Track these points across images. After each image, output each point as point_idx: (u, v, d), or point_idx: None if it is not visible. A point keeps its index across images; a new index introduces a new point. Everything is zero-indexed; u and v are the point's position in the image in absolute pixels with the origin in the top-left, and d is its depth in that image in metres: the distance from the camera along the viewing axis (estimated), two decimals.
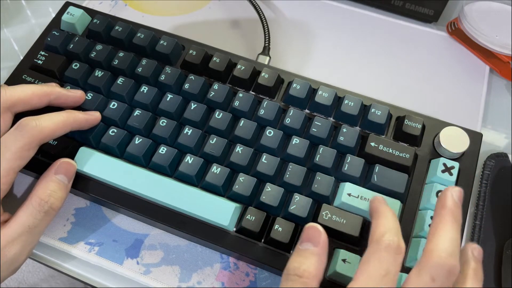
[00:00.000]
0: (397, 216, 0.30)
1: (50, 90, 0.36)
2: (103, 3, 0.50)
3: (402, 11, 0.49)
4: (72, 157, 0.36)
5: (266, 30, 0.45)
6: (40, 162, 0.37)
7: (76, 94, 0.37)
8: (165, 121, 0.37)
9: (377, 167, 0.35)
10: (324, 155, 0.36)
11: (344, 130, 0.37)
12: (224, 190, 0.35)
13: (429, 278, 0.26)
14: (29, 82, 0.40)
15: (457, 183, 0.35)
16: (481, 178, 0.39)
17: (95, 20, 0.42)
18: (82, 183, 0.36)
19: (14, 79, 0.40)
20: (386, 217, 0.29)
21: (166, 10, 0.50)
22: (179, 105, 0.38)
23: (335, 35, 0.48)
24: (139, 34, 0.41)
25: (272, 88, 0.39)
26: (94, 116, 0.37)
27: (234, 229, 0.34)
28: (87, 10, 0.44)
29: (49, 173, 0.34)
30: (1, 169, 0.31)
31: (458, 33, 0.47)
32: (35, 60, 0.41)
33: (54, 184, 0.33)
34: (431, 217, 0.33)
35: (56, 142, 0.37)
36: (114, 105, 0.38)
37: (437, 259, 0.26)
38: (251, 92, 0.40)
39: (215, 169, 0.35)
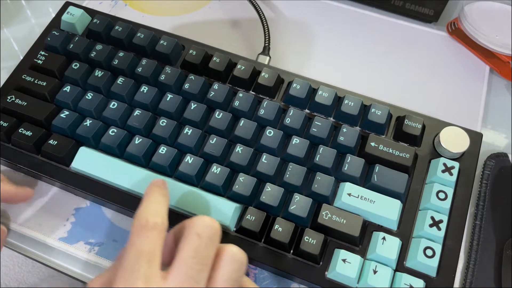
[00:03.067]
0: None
1: None
2: (103, 3, 0.50)
3: (402, 11, 0.49)
4: (72, 157, 0.36)
5: (266, 30, 0.45)
6: (40, 162, 0.37)
7: (26, 192, 0.37)
8: (165, 121, 0.37)
9: (377, 167, 0.35)
10: (324, 155, 0.36)
11: (344, 130, 0.37)
12: (224, 190, 0.35)
13: (195, 234, 0.27)
14: (29, 82, 0.40)
15: (457, 183, 0.35)
16: (481, 178, 0.39)
17: (95, 20, 0.42)
18: (82, 183, 0.36)
19: (14, 79, 0.40)
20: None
21: (166, 10, 0.50)
22: (179, 105, 0.38)
23: (335, 35, 0.48)
24: (139, 34, 0.41)
25: (272, 88, 0.39)
26: (24, 192, 0.36)
27: (234, 229, 0.34)
28: (87, 10, 0.44)
29: None
30: None
31: (458, 33, 0.47)
32: (35, 60, 0.41)
33: None
34: (432, 217, 0.33)
35: (56, 142, 0.37)
36: (114, 105, 0.38)
37: (201, 219, 0.28)
38: (251, 92, 0.40)
39: (215, 169, 0.35)
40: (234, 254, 0.28)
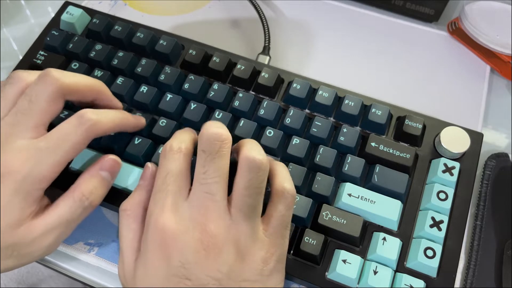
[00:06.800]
0: None
1: (100, 88, 0.34)
2: (102, 3, 0.50)
3: (402, 11, 0.48)
4: None
5: (266, 30, 0.45)
6: None
7: (118, 105, 0.36)
8: (165, 121, 0.37)
9: (378, 167, 0.35)
10: (324, 155, 0.36)
11: (345, 130, 0.37)
12: None
13: (201, 151, 0.30)
14: None
15: (457, 183, 0.35)
16: (482, 178, 0.39)
17: (94, 20, 0.42)
18: None
19: None
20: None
21: (166, 10, 0.50)
22: (179, 105, 0.38)
23: (335, 35, 0.48)
24: (138, 34, 0.41)
25: (272, 88, 0.39)
26: (141, 123, 0.36)
27: None
28: (87, 9, 0.44)
29: (94, 168, 0.33)
30: (57, 159, 0.30)
31: (458, 33, 0.47)
32: (34, 60, 0.41)
33: (97, 180, 0.32)
34: (432, 218, 0.33)
35: None
36: None
37: (205, 134, 0.30)
38: (251, 92, 0.40)
39: None
40: (251, 161, 0.29)
